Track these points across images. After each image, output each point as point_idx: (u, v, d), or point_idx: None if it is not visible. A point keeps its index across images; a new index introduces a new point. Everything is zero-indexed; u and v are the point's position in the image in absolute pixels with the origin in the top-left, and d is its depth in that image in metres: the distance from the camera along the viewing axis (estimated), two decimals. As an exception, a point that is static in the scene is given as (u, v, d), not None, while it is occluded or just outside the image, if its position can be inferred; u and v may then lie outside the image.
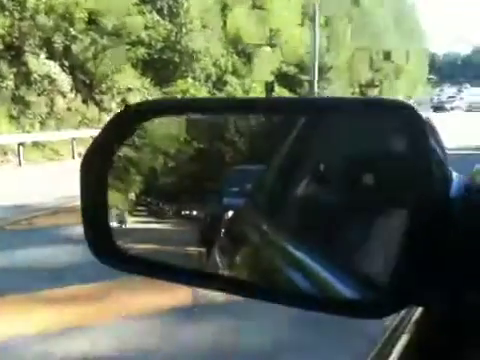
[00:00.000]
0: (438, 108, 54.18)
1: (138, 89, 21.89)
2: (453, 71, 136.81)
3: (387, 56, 47.42)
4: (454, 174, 0.59)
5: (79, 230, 0.72)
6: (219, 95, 25.46)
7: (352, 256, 0.66)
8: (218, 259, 0.91)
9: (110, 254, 0.74)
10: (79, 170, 0.69)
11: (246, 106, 0.73)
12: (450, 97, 66.89)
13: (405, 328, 0.64)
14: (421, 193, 0.52)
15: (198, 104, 0.77)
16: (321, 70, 33.95)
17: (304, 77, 34.12)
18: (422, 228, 0.52)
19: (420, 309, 0.60)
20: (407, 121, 0.53)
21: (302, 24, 35.22)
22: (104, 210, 0.75)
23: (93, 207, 0.73)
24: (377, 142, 0.65)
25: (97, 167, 0.72)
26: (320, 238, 0.73)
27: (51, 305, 3.92)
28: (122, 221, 0.94)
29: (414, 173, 0.53)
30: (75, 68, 19.49)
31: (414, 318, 0.62)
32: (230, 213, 0.95)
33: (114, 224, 0.83)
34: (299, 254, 0.76)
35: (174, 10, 23.90)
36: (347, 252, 0.67)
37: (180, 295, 3.85)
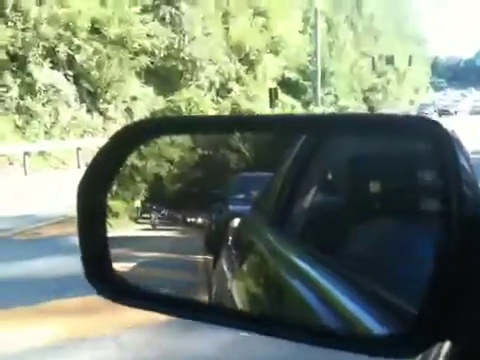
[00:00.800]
0: (443, 112, 54.01)
1: (142, 98, 21.96)
2: (456, 74, 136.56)
3: (390, 61, 47.42)
4: None
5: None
6: (223, 102, 25.48)
7: (367, 277, 0.60)
8: (225, 269, 0.90)
9: (111, 288, 0.69)
10: (76, 196, 0.65)
11: (256, 124, 0.66)
12: (455, 101, 66.94)
13: None
14: (452, 217, 0.47)
15: (204, 123, 0.72)
16: (323, 76, 33.96)
17: (307, 83, 34.14)
18: (452, 256, 0.47)
19: (448, 343, 0.55)
20: (436, 140, 0.49)
21: (304, 31, 35.27)
22: (103, 239, 0.69)
23: (91, 236, 0.69)
24: (399, 161, 0.60)
25: (95, 192, 0.67)
26: (331, 253, 0.68)
27: (56, 317, 3.91)
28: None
29: (444, 195, 0.48)
30: (79, 77, 19.57)
31: (443, 353, 0.57)
32: (236, 220, 0.95)
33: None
34: (307, 268, 0.72)
35: (176, 18, 23.99)
36: (362, 271, 0.61)
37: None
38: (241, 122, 0.69)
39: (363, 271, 0.61)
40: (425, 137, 0.50)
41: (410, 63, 52.53)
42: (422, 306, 0.48)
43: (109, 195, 0.71)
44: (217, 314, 0.68)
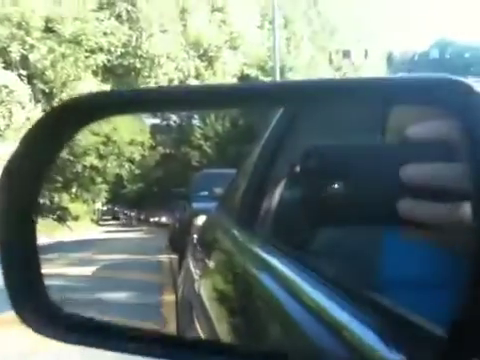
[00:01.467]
0: None
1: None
2: (411, 67, 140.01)
3: (346, 55, 48.21)
4: None
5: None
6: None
7: (345, 274, 0.52)
8: (192, 268, 0.88)
9: (41, 318, 0.50)
10: None
11: (227, 96, 0.49)
12: None
13: None
14: None
15: (158, 97, 0.54)
16: (282, 71, 34.18)
17: (266, 78, 34.30)
18: None
19: None
20: (468, 113, 0.34)
21: (262, 26, 35.40)
22: (31, 248, 0.51)
23: (16, 245, 0.50)
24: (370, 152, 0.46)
25: (24, 186, 0.51)
26: (303, 248, 0.62)
27: (7, 329, 3.78)
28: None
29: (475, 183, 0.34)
30: (33, 77, 19.05)
31: None
32: (200, 218, 0.93)
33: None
34: (278, 264, 0.67)
35: (133, 15, 23.64)
36: (338, 268, 0.55)
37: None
38: (213, 94, 0.51)
39: (340, 268, 0.55)
40: (449, 107, 0.34)
41: (366, 57, 53.55)
42: (455, 327, 0.37)
43: (42, 191, 0.54)
44: (179, 349, 0.52)
